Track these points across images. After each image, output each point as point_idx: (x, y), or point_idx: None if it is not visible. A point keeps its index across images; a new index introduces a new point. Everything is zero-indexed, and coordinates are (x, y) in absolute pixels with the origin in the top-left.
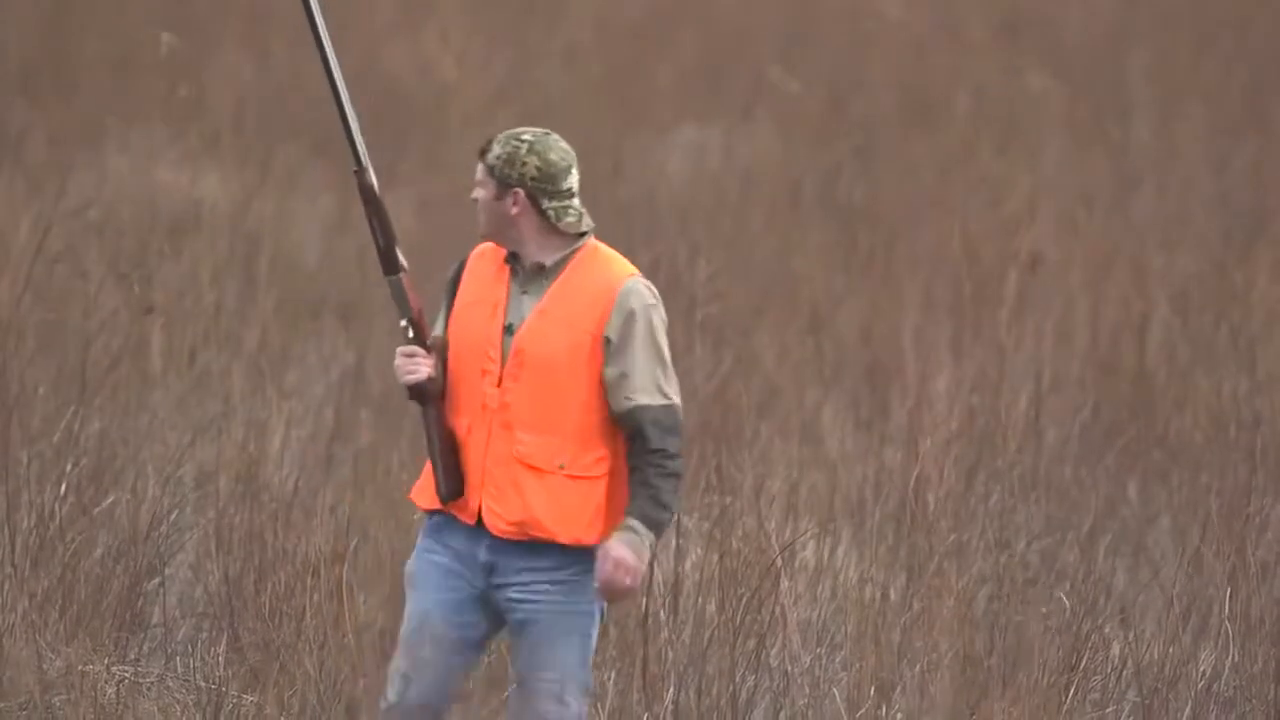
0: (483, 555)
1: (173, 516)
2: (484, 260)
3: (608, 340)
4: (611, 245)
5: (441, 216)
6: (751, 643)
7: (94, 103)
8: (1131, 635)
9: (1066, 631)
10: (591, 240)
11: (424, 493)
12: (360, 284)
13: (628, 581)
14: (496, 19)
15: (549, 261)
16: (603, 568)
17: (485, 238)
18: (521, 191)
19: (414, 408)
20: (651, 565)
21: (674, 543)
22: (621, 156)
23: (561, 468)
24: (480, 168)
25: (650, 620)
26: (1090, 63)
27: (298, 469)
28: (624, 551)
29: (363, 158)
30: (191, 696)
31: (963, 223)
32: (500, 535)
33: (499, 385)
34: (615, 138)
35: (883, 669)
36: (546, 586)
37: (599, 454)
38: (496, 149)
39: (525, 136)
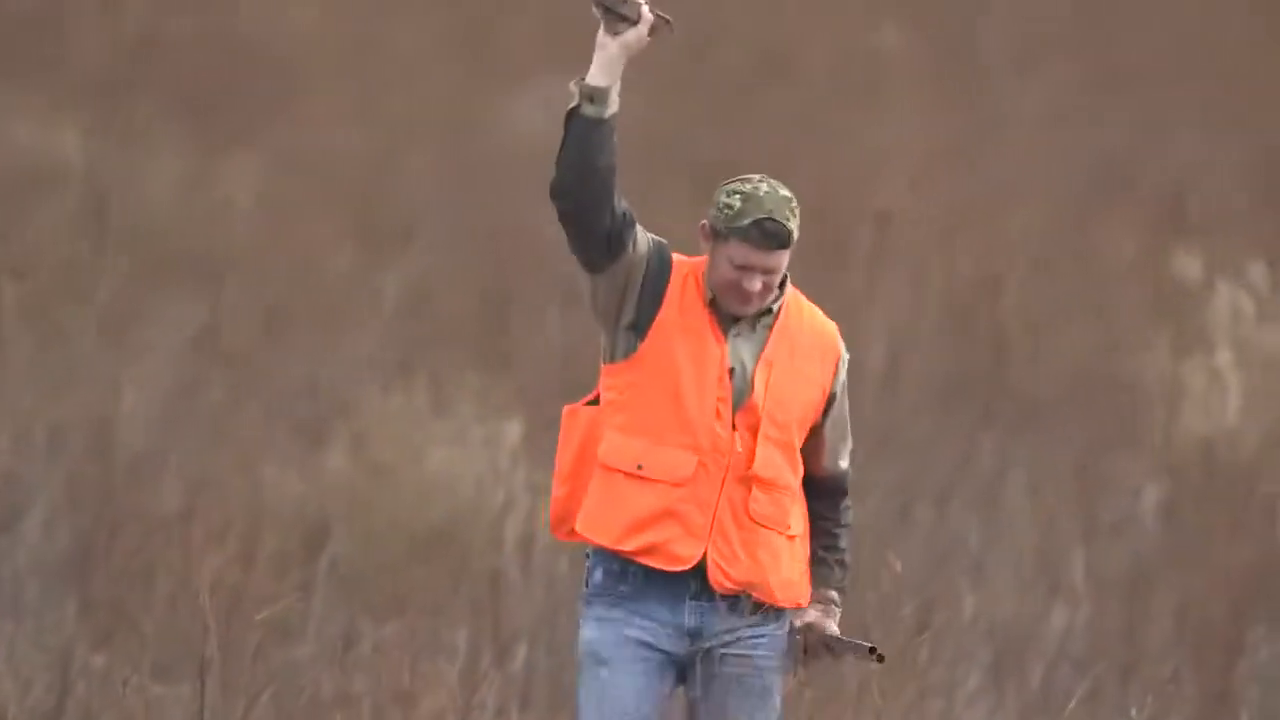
0: (688, 620)
1: (23, 474)
2: (688, 281)
3: (833, 396)
4: (467, 202)
5: (298, 170)
6: None
7: None
8: (985, 593)
9: (920, 590)
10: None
11: (607, 525)
12: (214, 240)
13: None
14: None
15: (772, 306)
16: (812, 645)
17: (752, 313)
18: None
19: (268, 361)
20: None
21: (528, 501)
22: (477, 110)
23: (789, 529)
24: (785, 255)
25: (502, 579)
26: (945, 19)
27: (149, 427)
28: (830, 626)
29: None
30: (41, 657)
31: (817, 178)
32: (720, 590)
33: (733, 430)
34: (469, 93)
35: None
36: (761, 643)
37: (803, 509)
38: (792, 221)
39: (784, 190)
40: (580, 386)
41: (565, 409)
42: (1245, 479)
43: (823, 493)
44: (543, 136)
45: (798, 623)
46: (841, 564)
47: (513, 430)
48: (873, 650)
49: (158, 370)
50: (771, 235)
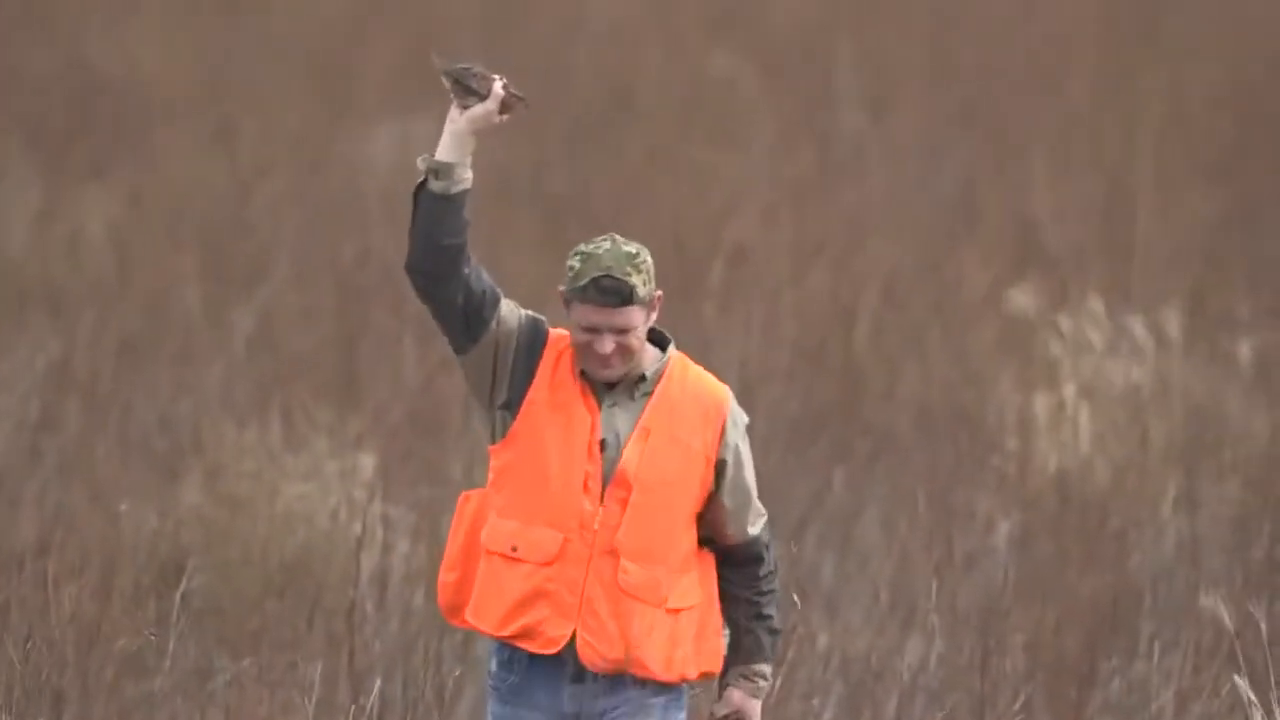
0: (567, 705)
1: None
2: (563, 357)
3: (722, 463)
4: (320, 238)
5: (151, 204)
6: (459, 634)
7: None
8: (839, 627)
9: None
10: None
11: (490, 612)
12: (67, 274)
13: None
14: (202, 10)
15: (649, 372)
16: None
17: (617, 378)
18: (660, 293)
19: (122, 396)
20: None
21: (382, 535)
22: (328, 148)
23: (665, 600)
24: (631, 311)
25: (357, 612)
26: (798, 53)
27: (3, 460)
28: (755, 710)
29: None
30: None
31: (670, 213)
32: (595, 671)
33: (601, 503)
34: (321, 130)
35: None
36: (634, 713)
37: (692, 579)
38: (634, 276)
39: (629, 247)
40: (433, 420)
41: (461, 494)
42: (1097, 511)
43: (738, 562)
44: (396, 173)
45: (720, 711)
46: (770, 630)
47: (367, 463)
48: None
49: (11, 404)
50: (610, 292)
